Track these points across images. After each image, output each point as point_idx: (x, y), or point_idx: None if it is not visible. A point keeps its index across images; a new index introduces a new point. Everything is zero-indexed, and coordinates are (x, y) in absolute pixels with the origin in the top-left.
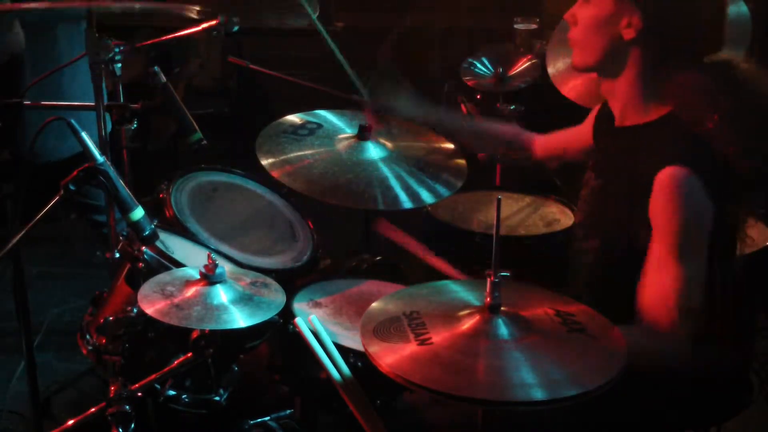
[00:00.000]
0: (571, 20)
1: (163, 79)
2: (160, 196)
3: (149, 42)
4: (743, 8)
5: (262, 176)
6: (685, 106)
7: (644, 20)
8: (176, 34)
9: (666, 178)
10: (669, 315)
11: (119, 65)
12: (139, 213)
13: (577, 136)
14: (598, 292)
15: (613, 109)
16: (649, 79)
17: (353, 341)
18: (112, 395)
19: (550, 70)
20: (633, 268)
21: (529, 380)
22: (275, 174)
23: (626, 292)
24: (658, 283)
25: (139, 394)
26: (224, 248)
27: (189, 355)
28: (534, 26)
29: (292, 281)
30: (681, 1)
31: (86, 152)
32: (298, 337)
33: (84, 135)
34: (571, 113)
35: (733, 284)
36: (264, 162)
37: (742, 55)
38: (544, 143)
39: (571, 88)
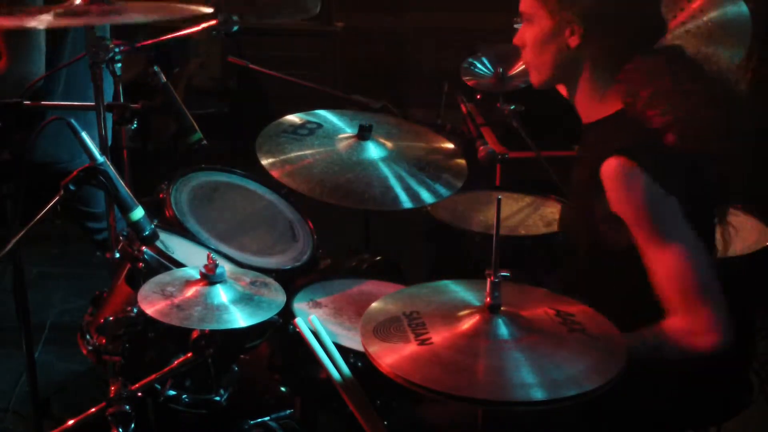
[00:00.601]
0: (520, 44)
1: (163, 79)
2: (160, 196)
3: (149, 42)
4: (743, 8)
5: (262, 176)
6: (634, 91)
7: (583, 24)
8: (176, 34)
9: (608, 169)
10: (687, 298)
11: (119, 65)
12: (139, 213)
13: None
14: (574, 292)
15: (578, 109)
16: (603, 76)
17: (353, 341)
18: (112, 395)
19: None
20: (596, 266)
21: (529, 380)
22: (275, 174)
23: (594, 291)
24: (663, 269)
25: (139, 394)
26: (224, 248)
27: (189, 355)
28: None
29: (292, 281)
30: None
31: (86, 152)
32: (298, 337)
33: (84, 135)
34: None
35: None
36: (264, 162)
37: (743, 55)
38: None
39: None
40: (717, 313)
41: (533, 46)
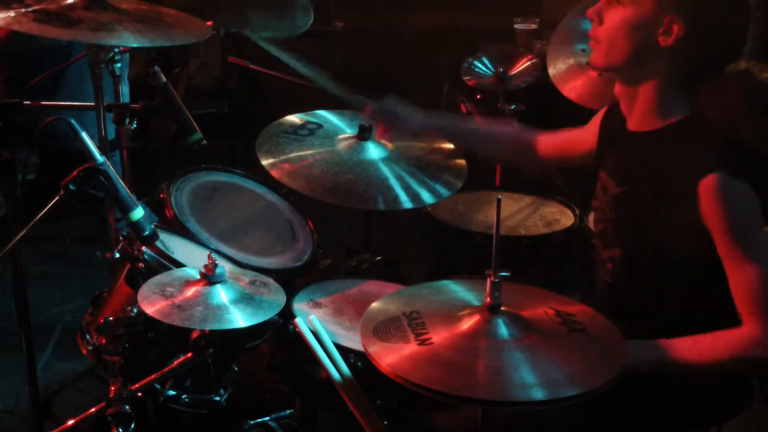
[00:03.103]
0: (595, 18)
1: (163, 79)
2: (160, 196)
3: None
4: None
5: (262, 176)
6: (719, 111)
7: (688, 28)
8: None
9: (712, 185)
10: (759, 315)
11: (119, 65)
12: (139, 213)
13: (578, 139)
14: (621, 300)
15: (628, 112)
16: (675, 87)
17: (353, 341)
18: (112, 395)
19: (551, 70)
20: (660, 274)
21: (529, 380)
22: (275, 174)
23: (652, 298)
24: (741, 283)
25: (139, 394)
26: (224, 248)
27: (189, 355)
28: (534, 26)
29: (292, 281)
30: (726, 10)
31: (86, 152)
32: (298, 337)
33: (84, 135)
34: (572, 113)
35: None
36: (264, 162)
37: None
38: (548, 143)
39: (572, 88)
40: None
41: (616, 26)
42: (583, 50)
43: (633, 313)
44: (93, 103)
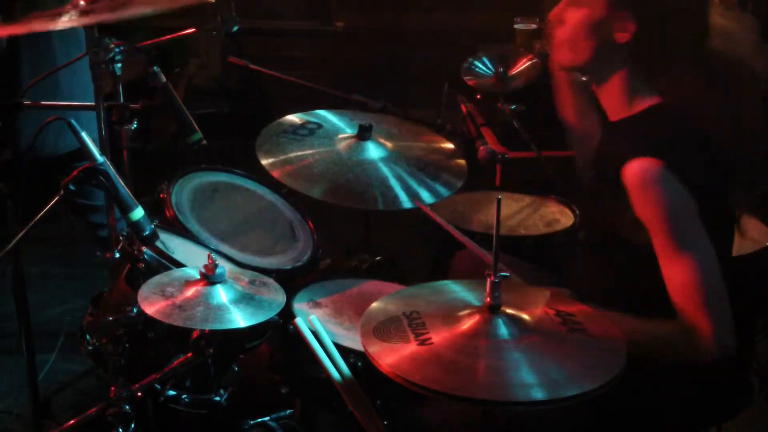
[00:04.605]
0: (556, 20)
1: (163, 79)
2: (160, 196)
3: (149, 42)
4: None
5: (262, 176)
6: (678, 99)
7: (639, 24)
8: (176, 34)
9: (633, 171)
10: (698, 307)
11: (119, 65)
12: (139, 213)
13: None
14: (589, 282)
15: (603, 104)
16: (639, 77)
17: (353, 341)
18: (112, 395)
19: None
20: (619, 257)
21: (529, 380)
22: (275, 174)
23: (614, 282)
24: (675, 278)
25: (139, 394)
26: (224, 248)
27: (189, 355)
28: (534, 26)
29: (292, 281)
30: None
31: (86, 152)
32: (298, 337)
33: (84, 135)
34: None
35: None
36: (264, 162)
37: None
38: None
39: None
40: (720, 325)
41: (576, 27)
42: None
43: (598, 296)
44: (93, 103)
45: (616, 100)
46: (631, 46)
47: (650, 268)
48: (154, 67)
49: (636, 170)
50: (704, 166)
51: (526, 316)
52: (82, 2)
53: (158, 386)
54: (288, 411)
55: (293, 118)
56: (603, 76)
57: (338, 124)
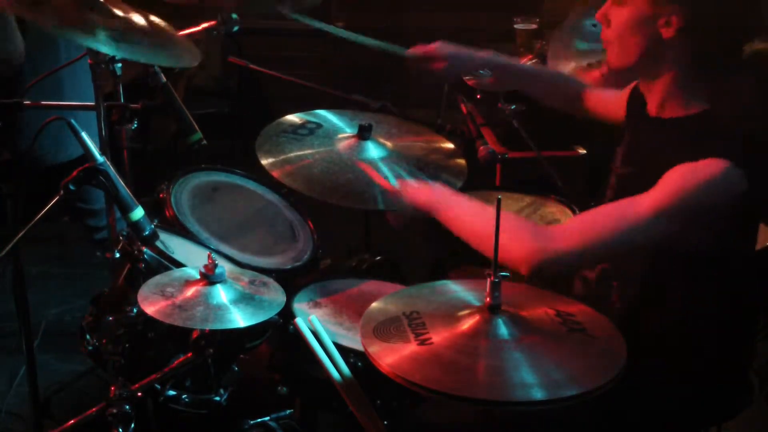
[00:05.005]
0: (603, 21)
1: (163, 79)
2: (160, 196)
3: None
4: None
5: (262, 176)
6: (725, 109)
7: (684, 17)
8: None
9: (706, 163)
10: (575, 236)
11: (119, 65)
12: (139, 213)
13: (614, 103)
14: (609, 270)
15: (649, 100)
16: (690, 76)
17: (353, 341)
18: (112, 395)
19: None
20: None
21: (529, 380)
22: (275, 174)
23: (639, 274)
24: (606, 211)
25: (139, 394)
26: (224, 248)
27: (189, 355)
28: (534, 26)
29: (292, 281)
30: None
31: (86, 152)
32: (298, 337)
33: (84, 135)
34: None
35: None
36: (264, 162)
37: None
38: (593, 97)
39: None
40: (552, 260)
41: (622, 26)
42: (584, 49)
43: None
44: (93, 103)
45: (667, 98)
46: (680, 42)
47: (663, 264)
48: (154, 67)
49: (706, 162)
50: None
51: (526, 316)
52: None
53: (158, 386)
54: (288, 411)
55: (293, 118)
56: (654, 74)
57: (338, 124)
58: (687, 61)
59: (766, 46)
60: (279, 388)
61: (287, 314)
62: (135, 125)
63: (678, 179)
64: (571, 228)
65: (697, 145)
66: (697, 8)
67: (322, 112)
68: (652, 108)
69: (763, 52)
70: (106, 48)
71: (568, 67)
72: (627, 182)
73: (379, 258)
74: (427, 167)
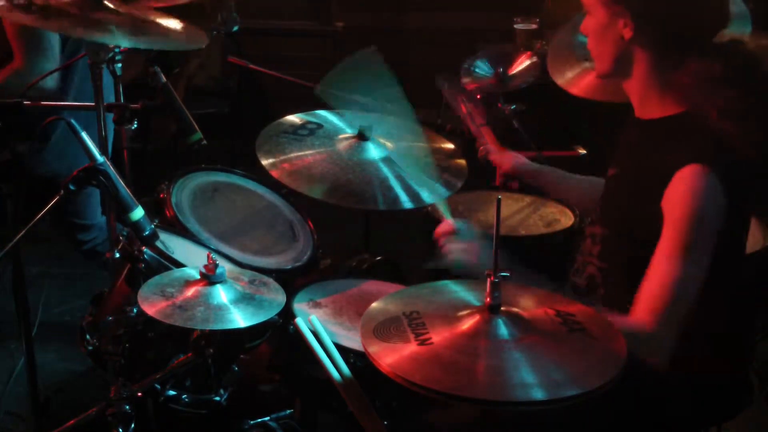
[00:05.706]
0: (585, 33)
1: (163, 79)
2: (160, 196)
3: None
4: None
5: (262, 176)
6: (693, 99)
7: (632, 16)
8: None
9: (688, 174)
10: (656, 309)
11: (119, 65)
12: (139, 213)
13: None
14: (596, 277)
15: (633, 103)
16: (660, 72)
17: (353, 341)
18: (112, 395)
19: (559, 80)
20: (633, 258)
21: (529, 380)
22: (275, 174)
23: (624, 280)
24: (659, 273)
25: (139, 394)
26: (224, 248)
27: (189, 355)
28: (534, 26)
29: (292, 281)
30: None
31: (86, 152)
32: (298, 337)
33: (84, 135)
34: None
35: (736, 283)
36: (264, 162)
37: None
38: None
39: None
40: (665, 332)
41: (593, 36)
42: (584, 50)
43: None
44: (93, 103)
45: (644, 98)
46: (639, 39)
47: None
48: (154, 67)
49: (691, 172)
50: (743, 172)
51: (526, 316)
52: None
53: (158, 386)
54: (288, 411)
55: (293, 118)
56: (630, 78)
57: (338, 124)
58: (652, 56)
59: (740, 36)
60: (279, 388)
61: (287, 314)
62: (135, 125)
63: (680, 203)
64: (642, 311)
65: (671, 147)
66: (643, 7)
67: (322, 112)
68: (635, 110)
69: (738, 40)
70: (126, 42)
71: (568, 67)
72: (612, 183)
73: (379, 258)
74: (427, 167)
